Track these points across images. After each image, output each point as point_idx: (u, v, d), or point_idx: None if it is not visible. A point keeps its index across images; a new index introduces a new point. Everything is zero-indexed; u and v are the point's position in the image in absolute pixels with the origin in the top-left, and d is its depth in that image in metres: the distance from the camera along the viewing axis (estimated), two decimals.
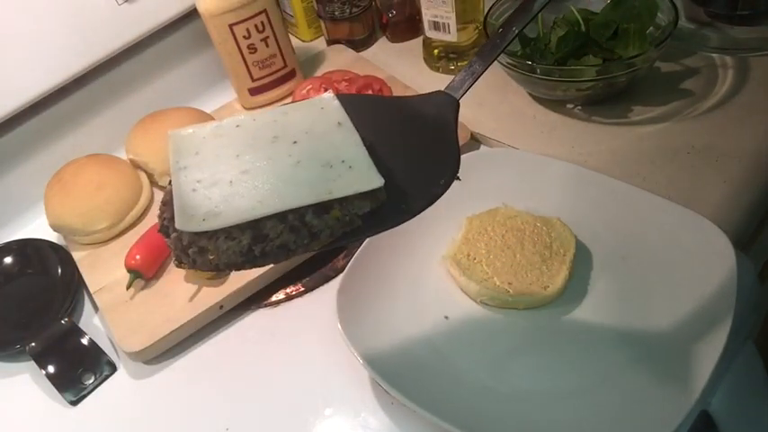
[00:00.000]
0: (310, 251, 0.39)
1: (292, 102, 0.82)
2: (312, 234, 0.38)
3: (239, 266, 0.38)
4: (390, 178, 0.39)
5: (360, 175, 0.39)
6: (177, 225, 0.37)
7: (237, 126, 0.43)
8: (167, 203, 0.41)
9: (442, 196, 0.40)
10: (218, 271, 0.39)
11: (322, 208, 0.38)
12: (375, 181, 0.38)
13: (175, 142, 0.43)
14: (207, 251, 0.37)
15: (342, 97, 0.45)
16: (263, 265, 0.38)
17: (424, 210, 0.40)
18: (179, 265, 0.39)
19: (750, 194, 0.64)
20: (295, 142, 0.41)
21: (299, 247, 0.38)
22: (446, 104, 0.45)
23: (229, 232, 0.37)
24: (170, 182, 0.41)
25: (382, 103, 0.48)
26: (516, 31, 0.48)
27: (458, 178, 0.41)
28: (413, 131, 0.44)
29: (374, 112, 0.45)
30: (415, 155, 0.43)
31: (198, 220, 0.37)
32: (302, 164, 0.40)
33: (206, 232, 0.37)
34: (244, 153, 0.41)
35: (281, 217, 0.37)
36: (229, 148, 0.41)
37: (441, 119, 0.44)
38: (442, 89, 0.46)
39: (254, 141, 0.42)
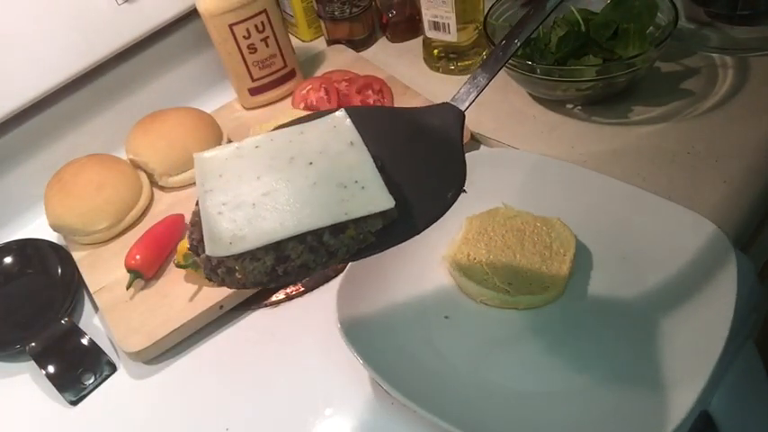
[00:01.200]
0: (327, 267, 0.41)
1: (292, 102, 0.83)
2: (330, 253, 0.40)
3: (264, 285, 0.40)
4: (400, 194, 0.41)
5: (372, 195, 0.41)
6: (207, 251, 0.40)
7: (257, 147, 0.45)
8: (195, 224, 0.43)
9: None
10: (246, 288, 0.41)
11: (338, 228, 0.40)
12: (387, 202, 0.40)
13: (200, 165, 0.45)
14: (235, 271, 0.40)
15: (351, 112, 0.46)
16: (287, 284, 0.41)
17: (432, 224, 0.42)
18: (209, 280, 0.42)
19: (750, 194, 0.64)
20: (311, 163, 0.43)
21: (318, 266, 0.40)
22: (451, 116, 0.47)
23: (254, 254, 0.39)
24: (197, 203, 0.43)
25: (389, 115, 0.50)
26: (518, 44, 0.49)
27: (464, 191, 0.43)
28: (419, 144, 0.46)
29: (382, 126, 0.47)
30: (422, 168, 0.45)
31: (225, 244, 0.40)
32: (318, 185, 0.42)
33: (233, 254, 0.39)
34: (264, 175, 0.43)
35: (300, 238, 0.39)
36: (250, 169, 0.43)
37: (446, 131, 0.46)
38: (448, 101, 0.47)
39: (273, 162, 0.44)
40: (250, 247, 0.39)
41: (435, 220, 0.42)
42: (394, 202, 0.40)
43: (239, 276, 0.40)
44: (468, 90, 0.48)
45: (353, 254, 0.41)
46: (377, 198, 0.41)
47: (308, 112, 0.77)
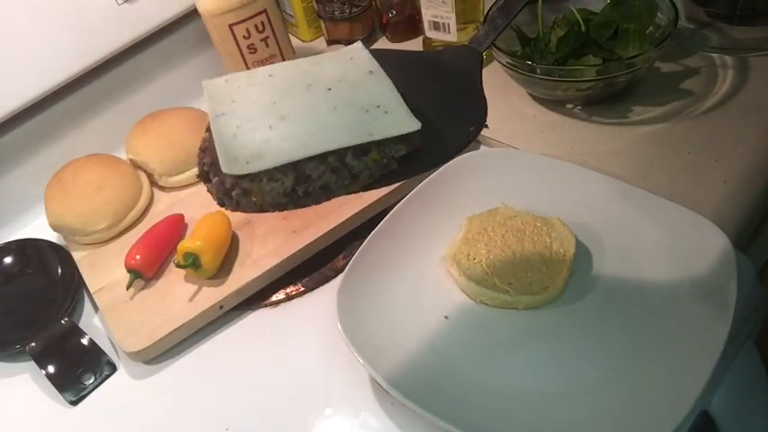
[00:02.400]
0: (350, 192, 0.40)
1: None
2: (352, 175, 0.39)
3: (283, 207, 0.39)
4: (423, 122, 0.41)
5: (397, 118, 0.40)
6: (223, 169, 0.38)
7: (270, 75, 0.44)
8: (206, 150, 0.42)
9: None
10: (262, 211, 0.40)
11: (361, 150, 0.39)
12: (412, 124, 0.40)
13: (211, 91, 0.44)
14: (251, 193, 0.39)
15: (371, 50, 0.46)
16: (306, 205, 0.39)
17: (456, 155, 0.42)
18: (222, 206, 0.40)
19: (750, 194, 0.64)
20: (329, 89, 0.42)
21: (339, 188, 0.39)
22: (471, 57, 0.47)
23: (272, 174, 0.38)
24: (207, 129, 0.42)
25: (409, 57, 0.50)
26: None
27: (486, 126, 0.43)
28: (440, 82, 0.46)
29: (402, 65, 0.46)
30: (443, 103, 0.45)
31: (242, 163, 0.38)
32: (339, 109, 0.41)
33: (248, 175, 0.38)
34: (280, 100, 0.42)
35: (321, 158, 0.38)
36: (264, 95, 0.42)
37: (466, 70, 0.46)
38: (466, 43, 0.48)
39: (289, 89, 0.42)
40: (269, 166, 0.38)
41: (459, 152, 0.42)
42: (420, 125, 0.40)
43: (255, 199, 0.39)
44: (487, 32, 0.48)
45: (376, 179, 0.40)
46: (402, 121, 0.40)
47: None
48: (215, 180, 0.40)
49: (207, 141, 0.42)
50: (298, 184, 0.38)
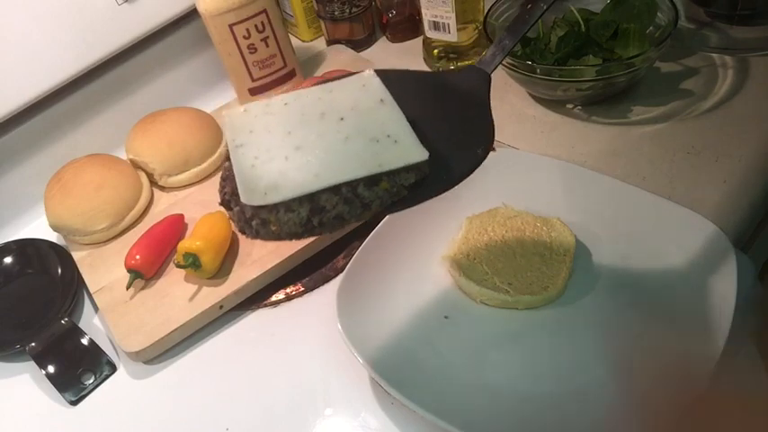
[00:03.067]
0: (362, 220, 0.41)
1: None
2: (364, 204, 0.41)
3: (299, 236, 0.41)
4: (431, 150, 0.41)
5: (406, 148, 0.41)
6: (242, 199, 0.40)
7: (285, 104, 0.45)
8: (226, 179, 0.44)
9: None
10: (280, 240, 0.41)
11: (372, 180, 0.40)
12: (421, 154, 0.41)
13: (230, 121, 0.45)
14: (269, 222, 0.40)
15: (380, 73, 0.47)
16: (321, 234, 0.41)
17: (464, 178, 0.43)
18: (243, 233, 0.42)
19: (750, 194, 0.64)
20: (342, 119, 0.44)
21: (352, 217, 0.41)
22: (478, 78, 0.47)
23: (289, 205, 0.40)
24: (227, 158, 0.44)
25: (418, 78, 0.50)
26: (545, 7, 0.49)
27: (494, 149, 0.44)
28: (447, 104, 0.47)
29: (411, 87, 0.47)
30: (451, 126, 0.45)
31: (260, 193, 0.40)
32: (351, 139, 0.42)
33: (267, 205, 0.40)
34: (295, 130, 0.43)
35: (335, 190, 0.40)
36: (280, 125, 0.44)
37: (474, 92, 0.47)
38: (474, 64, 0.48)
39: (303, 118, 0.44)
40: (286, 198, 0.39)
41: (466, 176, 0.43)
42: (428, 154, 0.41)
43: (274, 228, 0.40)
44: (494, 53, 0.48)
45: (387, 207, 0.41)
46: (410, 151, 0.41)
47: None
48: (236, 209, 0.42)
49: (227, 171, 0.44)
50: (313, 215, 0.40)
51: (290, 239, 0.41)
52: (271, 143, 0.43)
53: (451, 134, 0.44)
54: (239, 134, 0.44)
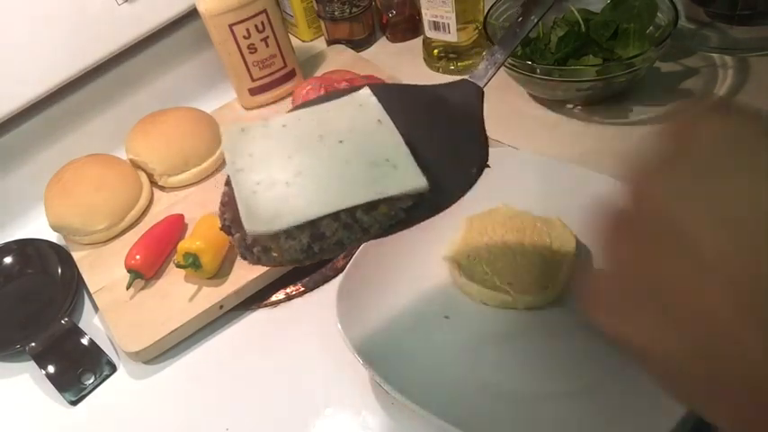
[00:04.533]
0: (361, 243, 0.42)
1: (292, 102, 0.83)
2: (363, 229, 0.41)
3: (300, 262, 0.41)
4: (427, 170, 0.41)
5: (405, 174, 0.41)
6: (246, 228, 0.40)
7: (284, 126, 0.45)
8: (226, 204, 0.43)
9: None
10: (282, 266, 0.43)
11: (371, 206, 0.40)
12: (420, 182, 0.41)
13: (229, 141, 0.44)
14: (270, 249, 0.41)
15: (374, 89, 0.47)
16: (321, 259, 0.41)
17: (459, 199, 0.43)
18: (244, 259, 0.42)
19: None
20: (341, 141, 0.43)
21: (351, 242, 0.41)
22: (471, 93, 0.47)
23: (290, 232, 0.40)
24: (226, 182, 0.44)
25: (410, 92, 0.50)
26: (535, 20, 0.50)
27: (488, 166, 0.44)
28: (440, 121, 0.47)
29: (405, 102, 0.47)
30: (445, 145, 0.45)
31: (263, 222, 0.40)
32: (350, 163, 0.42)
33: (266, 233, 0.40)
34: (294, 154, 0.43)
35: (334, 216, 0.40)
36: (280, 148, 0.43)
37: (467, 108, 0.47)
38: (467, 78, 0.48)
39: (302, 141, 0.44)
40: (287, 225, 0.39)
41: (461, 197, 0.43)
42: (426, 183, 0.41)
43: (275, 255, 0.41)
44: (487, 67, 0.48)
45: (385, 229, 0.41)
46: (410, 178, 0.41)
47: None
48: (237, 235, 0.42)
49: (227, 195, 0.44)
50: (313, 241, 0.40)
51: (292, 265, 0.41)
52: (271, 168, 0.42)
53: (446, 152, 0.44)
54: (239, 157, 0.43)
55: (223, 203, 0.44)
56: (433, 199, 0.42)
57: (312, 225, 0.40)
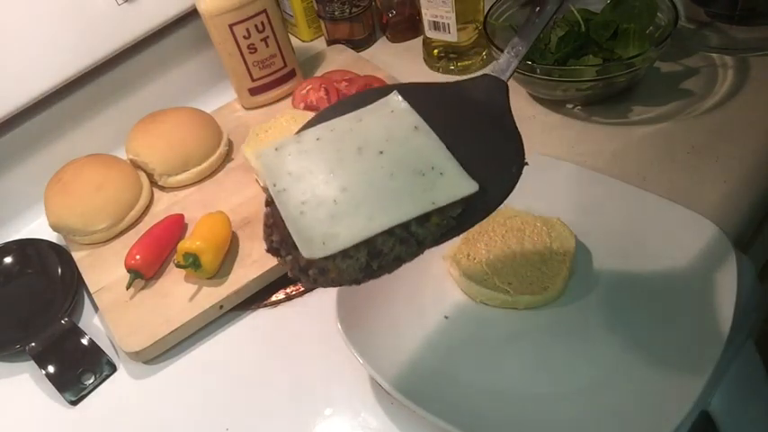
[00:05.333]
0: (417, 256, 0.41)
1: (292, 102, 0.83)
2: (418, 242, 0.40)
3: (359, 281, 0.40)
4: (471, 173, 0.41)
5: (453, 181, 0.41)
6: (303, 253, 0.39)
7: (318, 139, 0.44)
8: (272, 226, 0.42)
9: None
10: (341, 286, 0.41)
11: (424, 217, 0.40)
12: (470, 187, 0.40)
13: (266, 162, 0.43)
14: (328, 271, 0.39)
15: (403, 92, 0.45)
16: (380, 276, 0.40)
17: (504, 199, 0.42)
18: (298, 281, 0.41)
19: (750, 194, 0.64)
20: (381, 152, 0.42)
21: (408, 256, 0.40)
22: (495, 88, 0.46)
23: (347, 252, 0.39)
24: (267, 203, 0.43)
25: (436, 91, 0.48)
26: (553, 11, 0.48)
27: (526, 163, 0.43)
28: (470, 118, 0.46)
29: (432, 103, 0.46)
30: (480, 144, 0.44)
31: (319, 244, 0.39)
32: (396, 175, 0.41)
33: (327, 255, 0.39)
34: (335, 169, 0.42)
35: (389, 231, 0.39)
36: (320, 164, 0.42)
37: (493, 104, 0.45)
38: (489, 72, 0.47)
39: (340, 155, 0.43)
40: (345, 246, 0.39)
41: (506, 197, 0.42)
42: (477, 186, 0.40)
43: (333, 276, 0.39)
44: (509, 60, 0.47)
45: (437, 239, 0.41)
46: (459, 184, 0.40)
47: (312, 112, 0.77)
48: (288, 258, 0.41)
49: (271, 217, 0.42)
50: (371, 259, 0.39)
51: (351, 285, 0.40)
52: (314, 186, 0.41)
53: (482, 152, 0.43)
54: (279, 178, 0.42)
55: (267, 225, 0.43)
56: (480, 203, 0.41)
57: (368, 243, 0.39)
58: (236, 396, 0.60)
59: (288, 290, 0.67)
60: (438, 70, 0.87)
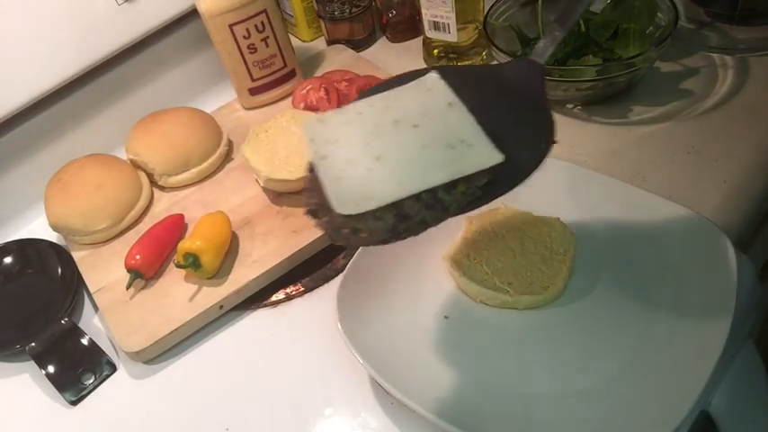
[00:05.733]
0: (441, 222, 0.43)
1: (292, 102, 0.83)
2: (443, 208, 0.43)
3: (386, 241, 0.43)
4: (499, 147, 0.43)
5: (480, 152, 0.44)
6: (336, 210, 0.42)
7: (360, 113, 0.48)
8: (311, 190, 0.46)
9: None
10: (369, 245, 0.45)
11: (450, 185, 0.43)
12: (496, 157, 0.43)
13: (310, 131, 0.47)
14: (359, 231, 0.43)
15: (441, 72, 0.49)
16: (406, 238, 0.43)
17: (532, 173, 0.44)
18: (333, 241, 0.44)
19: (750, 194, 0.64)
20: (415, 126, 0.46)
21: (433, 221, 0.43)
22: (532, 70, 0.49)
23: (377, 213, 0.42)
24: (309, 168, 0.46)
25: (474, 72, 0.52)
26: None
27: (555, 141, 0.45)
28: (505, 98, 0.48)
29: (469, 83, 0.49)
30: (512, 121, 0.47)
31: (352, 204, 0.42)
32: (427, 147, 0.44)
33: (356, 215, 0.42)
34: (372, 140, 0.46)
35: (416, 197, 0.42)
36: (358, 134, 0.46)
37: (528, 85, 0.48)
38: (528, 56, 0.50)
39: (378, 128, 0.46)
40: (375, 206, 0.42)
41: (533, 171, 0.44)
42: (503, 157, 0.43)
43: (364, 235, 0.43)
44: (546, 44, 0.49)
45: (462, 207, 0.43)
46: (486, 155, 0.43)
47: (306, 110, 0.77)
48: (324, 219, 0.44)
49: (310, 182, 0.46)
50: (398, 221, 0.42)
51: (378, 245, 0.43)
52: (352, 154, 0.45)
53: (513, 129, 0.46)
54: (321, 146, 0.46)
55: (307, 189, 0.46)
56: (506, 175, 0.43)
57: (397, 206, 0.42)
58: (236, 396, 0.60)
59: (288, 290, 0.67)
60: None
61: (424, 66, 0.88)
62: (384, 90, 0.49)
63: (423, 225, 0.43)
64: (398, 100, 0.48)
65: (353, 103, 0.48)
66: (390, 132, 0.46)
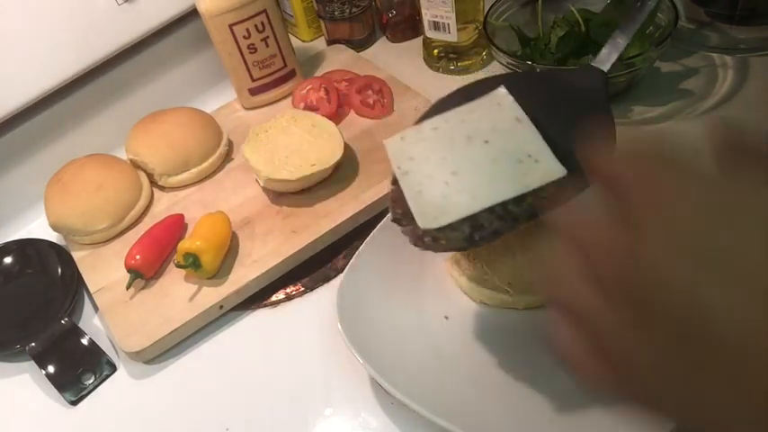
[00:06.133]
0: (513, 230, 0.47)
1: (292, 102, 0.83)
2: (514, 219, 0.46)
3: (463, 249, 0.49)
4: (564, 158, 0.47)
5: (546, 167, 0.47)
6: (419, 224, 0.47)
7: (435, 129, 0.52)
8: (396, 201, 0.50)
9: None
10: (447, 251, 0.51)
11: (519, 198, 0.46)
12: (560, 171, 0.46)
13: (392, 149, 0.52)
14: (439, 239, 0.47)
15: (508, 84, 0.52)
16: (480, 245, 0.47)
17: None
18: (416, 246, 0.48)
19: None
20: (486, 141, 0.49)
21: (505, 230, 0.46)
22: (595, 78, 0.52)
23: (454, 225, 0.46)
24: (393, 181, 0.51)
25: (539, 80, 0.55)
26: (652, 5, 0.54)
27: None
28: (568, 104, 0.51)
29: (535, 92, 0.52)
30: (575, 127, 0.48)
31: (431, 218, 0.47)
32: (497, 161, 0.48)
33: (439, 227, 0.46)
34: (448, 155, 0.50)
35: (490, 209, 0.46)
36: (435, 151, 0.50)
37: (591, 92, 0.51)
38: (591, 63, 0.52)
39: (453, 143, 0.50)
40: (452, 220, 0.46)
41: None
42: (566, 171, 0.46)
43: (443, 243, 0.47)
44: (609, 52, 0.52)
45: (530, 217, 0.46)
46: (551, 169, 0.47)
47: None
48: (408, 227, 0.49)
49: (395, 193, 0.51)
50: (474, 231, 0.46)
51: (456, 251, 0.50)
52: (431, 169, 0.49)
53: (575, 134, 0.47)
54: (402, 162, 0.50)
55: (393, 200, 0.51)
56: (570, 185, 0.46)
57: (472, 218, 0.46)
58: (236, 396, 0.60)
59: (288, 290, 0.67)
60: (438, 70, 0.87)
61: (424, 66, 0.88)
62: (458, 101, 0.52)
63: (495, 234, 0.46)
64: (471, 115, 0.51)
65: (429, 119, 0.52)
66: (464, 148, 0.49)
